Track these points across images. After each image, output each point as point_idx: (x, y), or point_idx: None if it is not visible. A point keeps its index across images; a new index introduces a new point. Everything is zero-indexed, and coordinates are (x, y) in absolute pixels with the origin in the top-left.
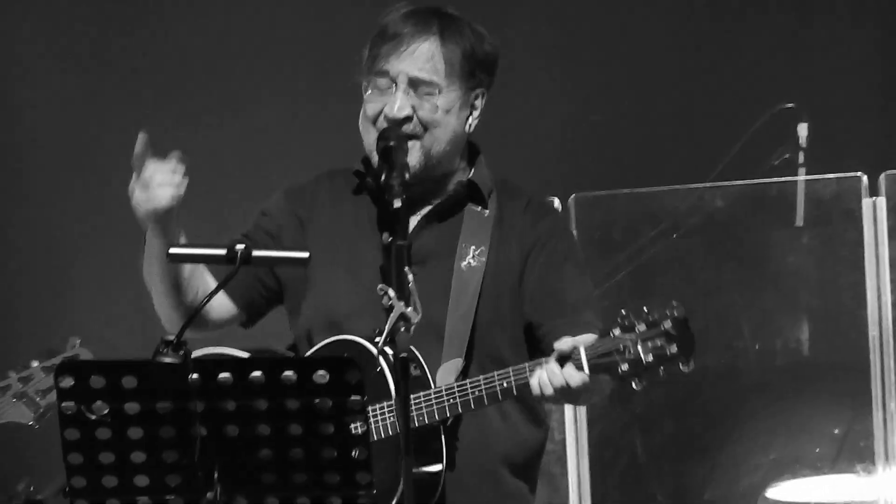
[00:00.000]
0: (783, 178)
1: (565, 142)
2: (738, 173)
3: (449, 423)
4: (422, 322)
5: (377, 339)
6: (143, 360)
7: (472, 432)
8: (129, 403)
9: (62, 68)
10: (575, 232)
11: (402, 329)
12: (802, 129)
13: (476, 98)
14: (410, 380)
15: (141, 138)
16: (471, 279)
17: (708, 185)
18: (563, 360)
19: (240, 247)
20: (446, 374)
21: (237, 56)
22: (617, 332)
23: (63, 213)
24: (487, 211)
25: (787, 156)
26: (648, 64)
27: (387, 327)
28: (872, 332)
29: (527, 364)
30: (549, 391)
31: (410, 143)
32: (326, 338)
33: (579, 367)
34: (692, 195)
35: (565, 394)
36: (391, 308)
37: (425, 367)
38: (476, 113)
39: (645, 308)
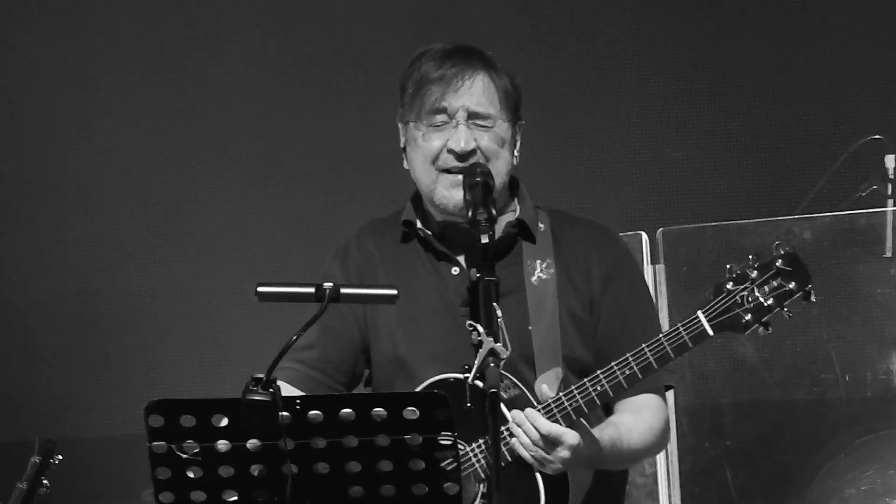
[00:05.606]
0: (872, 209)
1: (652, 177)
2: (826, 205)
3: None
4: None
5: (466, 375)
6: (233, 398)
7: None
8: (220, 442)
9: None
10: (663, 266)
11: (492, 364)
12: (890, 161)
13: (518, 132)
14: (511, 400)
15: None
16: (546, 291)
17: (796, 217)
18: None
19: (328, 284)
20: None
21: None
22: (730, 285)
23: None
24: (542, 226)
25: (874, 187)
26: (734, 97)
27: (476, 363)
28: None
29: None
30: None
31: None
32: (401, 385)
33: (699, 337)
34: (780, 228)
35: None
36: (480, 344)
37: (521, 385)
38: (518, 146)
39: (750, 256)
